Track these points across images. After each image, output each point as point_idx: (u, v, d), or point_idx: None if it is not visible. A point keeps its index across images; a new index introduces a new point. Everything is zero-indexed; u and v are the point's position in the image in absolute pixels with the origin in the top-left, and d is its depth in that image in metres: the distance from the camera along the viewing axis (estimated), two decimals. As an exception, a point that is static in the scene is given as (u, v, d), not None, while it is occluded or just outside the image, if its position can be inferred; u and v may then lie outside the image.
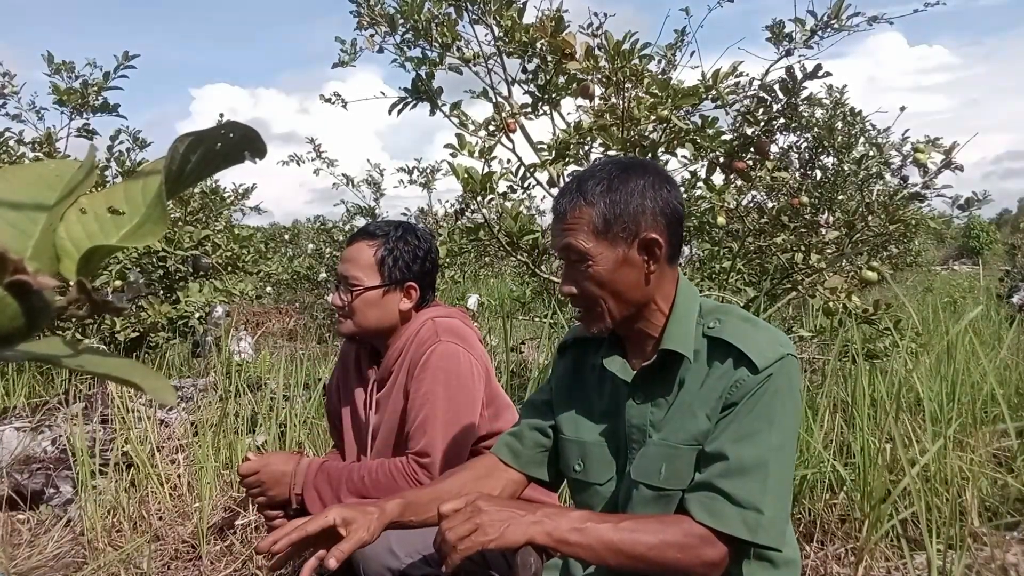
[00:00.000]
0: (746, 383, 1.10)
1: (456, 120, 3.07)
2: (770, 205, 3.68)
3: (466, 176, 2.77)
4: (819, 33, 2.88)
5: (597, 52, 2.66)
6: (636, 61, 2.64)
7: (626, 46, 2.60)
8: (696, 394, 1.15)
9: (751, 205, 3.70)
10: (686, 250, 4.48)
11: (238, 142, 0.35)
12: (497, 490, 1.33)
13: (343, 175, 6.80)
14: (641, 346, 1.24)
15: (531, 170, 3.07)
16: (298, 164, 6.46)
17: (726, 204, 3.04)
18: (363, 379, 1.81)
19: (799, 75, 2.87)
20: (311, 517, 1.18)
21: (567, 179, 3.03)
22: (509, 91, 3.22)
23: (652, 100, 2.62)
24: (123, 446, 2.84)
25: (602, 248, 1.16)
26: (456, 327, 1.73)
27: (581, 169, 2.94)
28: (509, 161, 3.28)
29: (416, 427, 1.60)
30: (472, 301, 6.58)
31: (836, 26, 2.85)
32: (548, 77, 3.05)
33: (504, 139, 2.98)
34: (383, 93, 3.29)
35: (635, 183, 1.16)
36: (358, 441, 1.79)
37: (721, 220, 3.09)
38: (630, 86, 2.65)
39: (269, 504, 1.65)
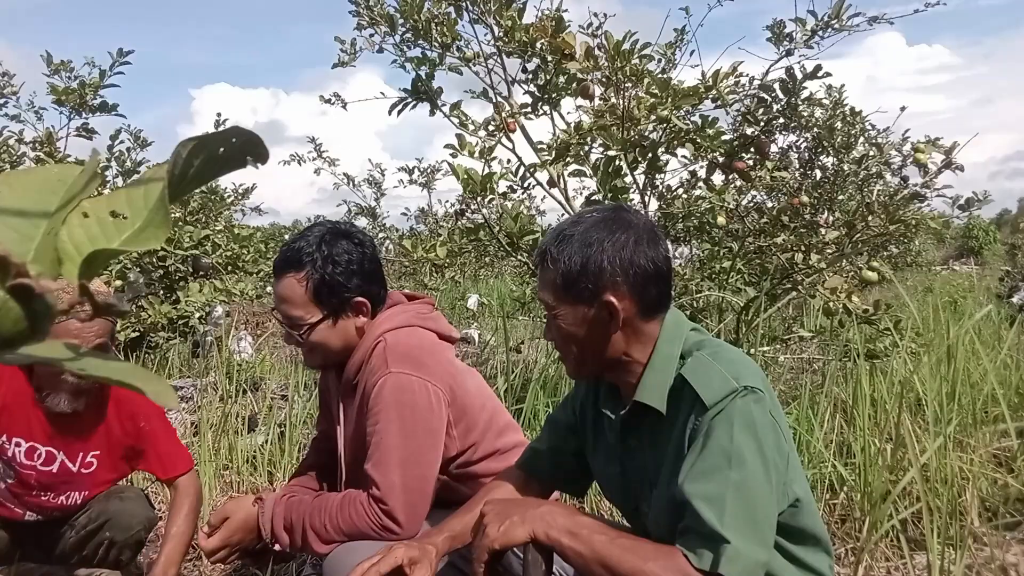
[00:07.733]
0: (700, 422, 1.08)
1: (456, 120, 3.07)
2: (770, 205, 3.69)
3: (466, 176, 2.77)
4: (819, 33, 2.88)
5: (597, 52, 2.66)
6: (636, 61, 2.64)
7: (626, 46, 2.60)
8: (674, 440, 1.15)
9: (751, 205, 3.70)
10: (685, 250, 4.47)
11: (240, 147, 0.35)
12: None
13: (344, 174, 6.81)
14: (628, 391, 1.24)
15: (531, 170, 3.08)
16: (299, 164, 6.46)
17: (726, 204, 3.05)
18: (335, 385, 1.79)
19: (799, 75, 2.87)
20: (381, 556, 1.22)
21: (567, 180, 3.05)
22: (509, 91, 3.22)
23: (652, 100, 2.62)
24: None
25: (565, 307, 1.17)
26: (408, 351, 1.57)
27: (583, 169, 2.96)
28: (509, 161, 3.28)
29: (372, 466, 1.51)
30: (472, 301, 6.59)
31: (836, 26, 2.85)
32: (548, 77, 3.05)
33: (504, 139, 2.98)
34: (383, 93, 3.30)
35: (601, 243, 1.14)
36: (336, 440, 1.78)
37: (721, 220, 3.09)
38: (630, 86, 2.66)
39: (248, 553, 1.61)
